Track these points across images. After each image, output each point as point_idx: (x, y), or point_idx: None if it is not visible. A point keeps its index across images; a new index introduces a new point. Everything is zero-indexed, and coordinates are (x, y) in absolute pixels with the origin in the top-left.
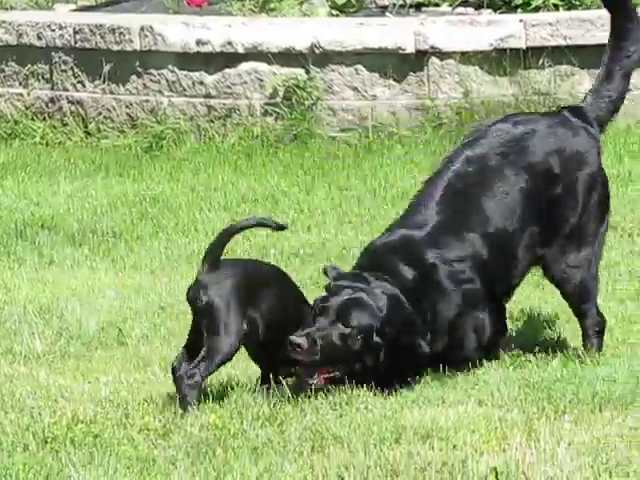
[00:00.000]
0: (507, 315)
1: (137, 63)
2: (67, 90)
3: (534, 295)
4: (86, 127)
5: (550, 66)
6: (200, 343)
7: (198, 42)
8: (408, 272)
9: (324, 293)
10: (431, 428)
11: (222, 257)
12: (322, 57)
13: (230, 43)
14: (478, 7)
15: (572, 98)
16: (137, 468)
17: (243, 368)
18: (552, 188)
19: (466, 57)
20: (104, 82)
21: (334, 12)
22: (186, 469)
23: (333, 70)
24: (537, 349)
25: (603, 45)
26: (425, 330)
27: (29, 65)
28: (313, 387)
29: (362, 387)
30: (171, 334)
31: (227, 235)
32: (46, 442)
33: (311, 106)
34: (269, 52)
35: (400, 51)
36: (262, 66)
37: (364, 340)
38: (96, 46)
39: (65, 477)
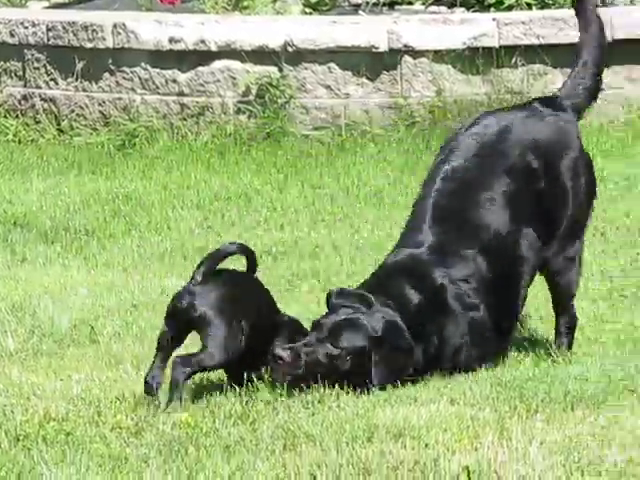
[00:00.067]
0: None
1: (110, 61)
2: (40, 87)
3: None
4: (59, 125)
5: (523, 65)
6: (172, 351)
7: (171, 40)
8: (416, 295)
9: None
10: (403, 427)
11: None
12: (295, 55)
13: (203, 41)
14: (451, 6)
15: None
16: (109, 466)
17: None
18: (537, 183)
19: (439, 56)
20: (77, 80)
21: (307, 10)
22: (158, 467)
23: (306, 68)
24: (509, 348)
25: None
26: (423, 356)
27: (2, 62)
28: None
29: (334, 386)
30: (143, 332)
31: (223, 255)
32: (18, 440)
33: (284, 104)
34: (242, 50)
35: (373, 49)
36: (235, 64)
37: (352, 362)
38: (69, 43)
39: (37, 475)
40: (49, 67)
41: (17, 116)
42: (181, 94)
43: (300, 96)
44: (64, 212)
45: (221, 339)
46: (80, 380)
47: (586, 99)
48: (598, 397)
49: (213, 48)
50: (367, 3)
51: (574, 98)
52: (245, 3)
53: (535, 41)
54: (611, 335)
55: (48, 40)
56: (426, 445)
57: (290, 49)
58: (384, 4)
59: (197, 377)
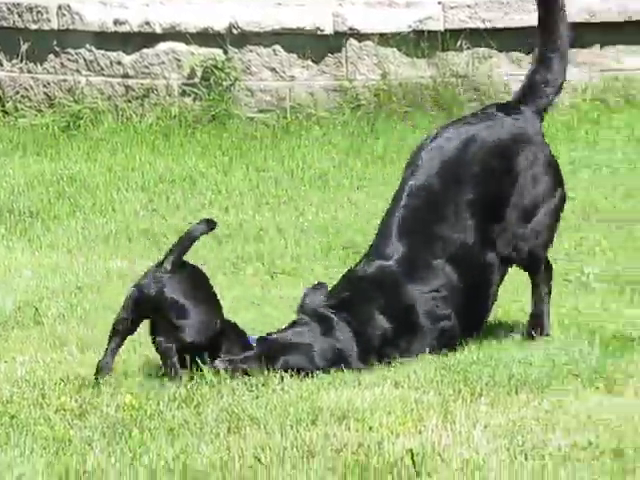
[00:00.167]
0: None
1: (55, 42)
2: None
3: None
4: (3, 106)
5: (468, 48)
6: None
7: (116, 22)
8: (385, 316)
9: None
10: (347, 409)
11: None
12: (240, 37)
13: (148, 23)
14: None
15: (490, 80)
16: (53, 448)
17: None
18: (501, 188)
19: (384, 39)
20: (21, 61)
21: None
22: (102, 450)
23: (251, 51)
24: None
25: (521, 28)
26: None
27: None
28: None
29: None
30: (87, 314)
31: (191, 240)
32: None
33: (229, 87)
34: (187, 32)
35: (318, 32)
36: (180, 46)
37: None
38: (14, 25)
39: None
40: None
41: None
42: (126, 76)
43: (245, 78)
44: (8, 194)
45: (194, 322)
46: (24, 362)
47: (550, 96)
48: (542, 381)
49: (158, 30)
50: None
51: (536, 98)
52: None
53: (480, 25)
54: (555, 319)
55: None
56: (370, 428)
57: (235, 31)
58: None
59: (141, 360)
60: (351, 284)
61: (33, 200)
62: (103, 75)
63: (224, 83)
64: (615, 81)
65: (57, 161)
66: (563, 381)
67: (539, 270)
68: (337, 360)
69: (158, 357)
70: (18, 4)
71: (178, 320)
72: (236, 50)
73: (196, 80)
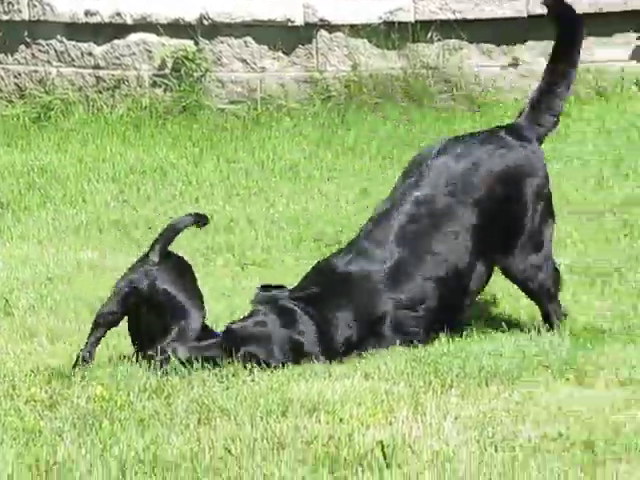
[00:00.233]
0: None
1: (26, 33)
2: None
3: None
4: None
5: (439, 40)
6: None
7: (87, 12)
8: (356, 322)
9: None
10: (318, 401)
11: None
12: (211, 29)
13: (119, 14)
14: None
15: (460, 72)
16: (23, 439)
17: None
18: (503, 212)
19: (355, 30)
20: None
21: None
22: (72, 440)
23: (222, 42)
24: None
25: (492, 20)
26: None
27: None
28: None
29: None
30: (58, 305)
31: (175, 231)
32: None
33: (200, 78)
34: (158, 23)
35: (289, 23)
36: (151, 37)
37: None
38: None
39: None
40: None
41: None
42: (97, 67)
43: (216, 70)
44: None
45: (189, 312)
46: None
47: (552, 125)
48: (512, 373)
49: (129, 21)
50: None
51: (539, 126)
52: None
53: (451, 16)
54: (526, 311)
55: None
56: (340, 420)
57: (206, 22)
58: None
59: (112, 351)
60: (327, 278)
61: (3, 191)
62: (74, 66)
63: (195, 74)
64: (586, 73)
65: (28, 152)
66: (533, 373)
67: (549, 300)
68: (298, 354)
69: (130, 348)
70: None
71: (173, 312)
72: (207, 41)
73: (167, 71)
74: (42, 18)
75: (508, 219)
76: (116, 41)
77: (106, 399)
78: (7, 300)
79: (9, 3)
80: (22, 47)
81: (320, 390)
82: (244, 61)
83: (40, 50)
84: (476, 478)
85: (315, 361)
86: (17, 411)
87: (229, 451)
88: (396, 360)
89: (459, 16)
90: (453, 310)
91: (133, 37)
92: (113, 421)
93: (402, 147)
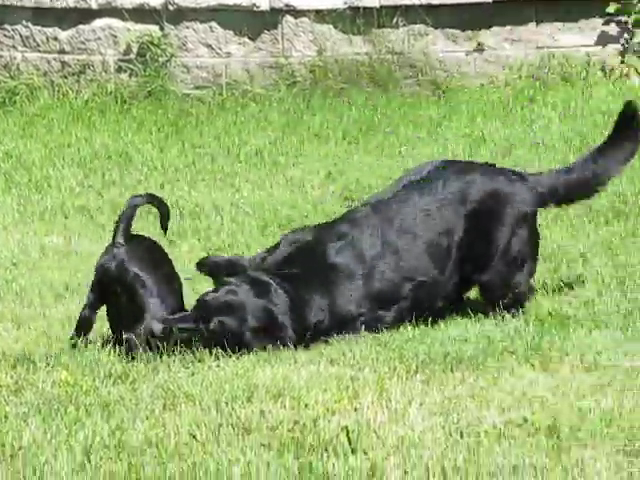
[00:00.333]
0: None
1: None
2: None
3: None
4: None
5: (404, 25)
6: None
7: None
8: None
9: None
10: (283, 387)
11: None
12: (176, 14)
13: None
14: None
15: (426, 57)
16: None
17: (97, 327)
18: (485, 232)
19: (320, 15)
20: None
21: None
22: (37, 426)
23: (187, 27)
24: None
25: (458, 5)
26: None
27: None
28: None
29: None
30: (23, 290)
31: (133, 208)
32: None
33: (165, 63)
34: (123, 8)
35: (254, 8)
36: (116, 22)
37: (224, 343)
38: None
39: None
40: None
41: None
42: (62, 52)
43: (181, 55)
44: None
45: (160, 293)
46: None
47: (565, 186)
48: (477, 358)
49: (94, 6)
50: None
51: (552, 180)
52: None
53: (416, 1)
54: None
55: None
56: (306, 405)
57: (171, 7)
58: None
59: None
60: (309, 258)
61: None
62: (39, 51)
63: (160, 59)
64: (552, 58)
65: None
66: (498, 358)
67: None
68: (271, 325)
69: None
70: None
71: (143, 292)
72: (172, 26)
73: (132, 56)
74: (7, 2)
75: (488, 239)
76: (81, 26)
77: (71, 384)
78: None
79: None
80: None
81: (285, 376)
82: (209, 46)
83: (5, 35)
84: (441, 464)
85: (285, 336)
86: None
87: (194, 436)
88: (361, 346)
89: (424, 1)
90: (423, 311)
91: (98, 22)
92: (78, 406)
93: (367, 132)
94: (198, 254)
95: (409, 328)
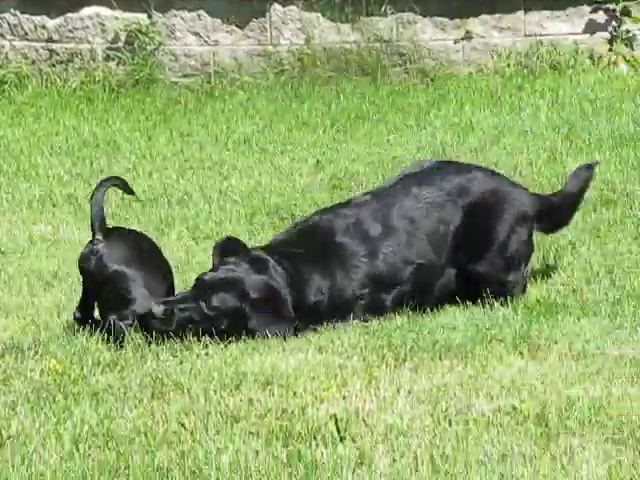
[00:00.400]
0: None
1: None
2: None
3: None
4: None
5: (392, 13)
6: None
7: None
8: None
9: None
10: (271, 375)
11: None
12: (164, 2)
13: None
14: None
15: (414, 45)
16: None
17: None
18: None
19: (308, 3)
20: None
21: None
22: (26, 415)
23: (175, 15)
24: None
25: None
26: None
27: None
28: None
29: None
30: (11, 278)
31: (99, 202)
32: None
33: (153, 51)
34: None
35: None
36: (104, 10)
37: (226, 321)
38: None
39: None
40: None
41: None
42: (50, 40)
43: (169, 43)
44: None
45: (142, 285)
46: None
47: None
48: (466, 346)
49: None
50: None
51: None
52: None
53: None
54: None
55: None
56: (294, 393)
57: None
58: None
59: (66, 325)
60: (310, 238)
61: None
62: (27, 39)
63: (148, 47)
64: (539, 46)
65: None
66: (487, 346)
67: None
68: (271, 298)
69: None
70: None
71: (126, 287)
72: (160, 14)
73: (120, 44)
74: None
75: (486, 232)
76: (69, 14)
77: (60, 373)
78: None
79: None
80: None
81: (274, 364)
82: (197, 34)
83: None
84: (430, 452)
85: (285, 310)
86: None
87: (183, 425)
88: (350, 334)
89: None
90: (420, 297)
91: (86, 10)
92: (67, 395)
93: (356, 120)
94: (186, 242)
95: (397, 316)
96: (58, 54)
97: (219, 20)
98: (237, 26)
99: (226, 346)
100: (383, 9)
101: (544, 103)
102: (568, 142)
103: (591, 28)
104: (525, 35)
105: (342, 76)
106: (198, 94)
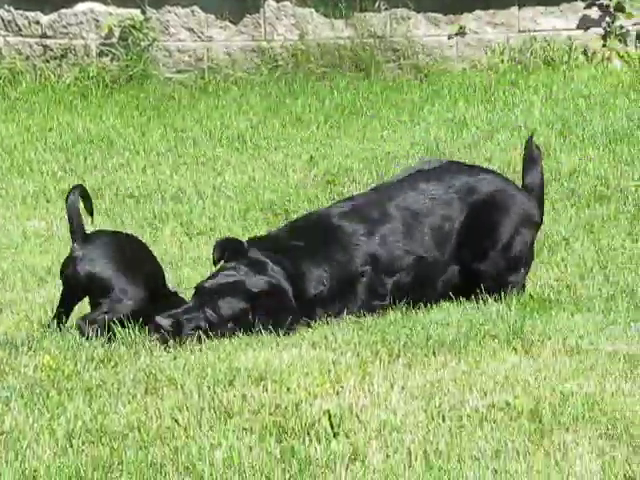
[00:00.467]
0: None
1: None
2: None
3: None
4: None
5: (386, 9)
6: (72, 309)
7: None
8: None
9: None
10: (265, 370)
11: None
12: None
13: None
14: None
15: (407, 41)
16: None
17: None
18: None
19: None
20: None
21: None
22: (20, 410)
23: (169, 11)
24: None
25: None
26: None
27: None
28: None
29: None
30: (5, 274)
31: (75, 208)
32: None
33: (147, 47)
34: None
35: None
36: (98, 6)
37: (233, 325)
38: None
39: None
40: None
41: None
42: (44, 36)
43: (163, 39)
44: None
45: (119, 290)
46: None
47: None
48: (460, 342)
49: None
50: None
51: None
52: None
53: None
54: None
55: None
56: (288, 389)
57: None
58: None
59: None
60: (311, 228)
61: None
62: (21, 35)
63: (142, 43)
64: (533, 42)
65: None
66: (480, 342)
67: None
68: (274, 294)
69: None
70: None
71: (103, 292)
72: (154, 10)
73: (114, 40)
74: None
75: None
76: (63, 10)
77: (53, 368)
78: None
79: None
80: None
81: (267, 359)
82: (191, 30)
83: None
84: (423, 447)
85: (289, 303)
86: None
87: (176, 421)
88: (343, 330)
89: None
90: (422, 290)
91: (80, 6)
92: (60, 390)
93: (349, 116)
94: (180, 237)
95: (391, 312)
96: (52, 50)
97: (213, 16)
98: (231, 22)
99: (219, 341)
100: (377, 5)
101: (538, 99)
102: (562, 138)
103: (585, 24)
104: (519, 31)
105: (336, 72)
106: (192, 90)
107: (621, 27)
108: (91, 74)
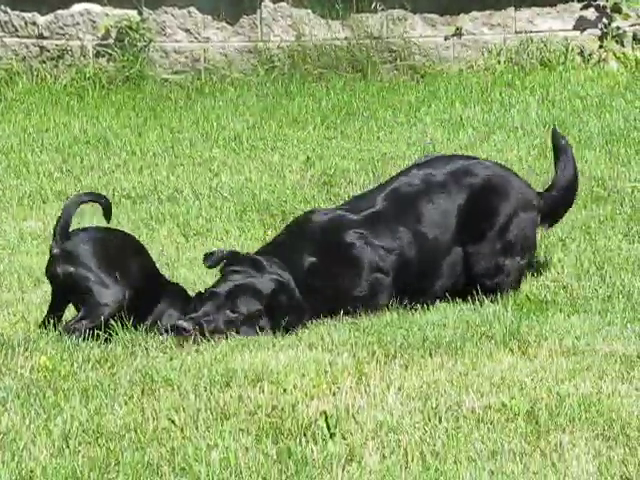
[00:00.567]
0: None
1: None
2: None
3: None
4: None
5: (383, 10)
6: (63, 309)
7: None
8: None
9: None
10: (261, 372)
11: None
12: None
13: None
14: None
15: (404, 42)
16: None
17: (74, 311)
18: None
19: (299, 0)
20: None
21: None
22: (16, 411)
23: (166, 12)
24: None
25: None
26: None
27: None
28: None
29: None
30: (1, 275)
31: (68, 213)
32: None
33: (143, 48)
34: None
35: None
36: (94, 7)
37: (250, 323)
38: None
39: None
40: None
41: None
42: (40, 37)
43: (160, 40)
44: None
45: (99, 293)
46: None
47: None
48: (456, 343)
49: None
50: None
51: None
52: None
53: None
54: None
55: None
56: (284, 390)
57: None
58: None
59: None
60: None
61: None
62: (18, 36)
63: (138, 44)
64: (530, 43)
65: None
66: (477, 343)
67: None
68: (279, 291)
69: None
70: None
71: (82, 294)
72: (151, 11)
73: (110, 41)
74: None
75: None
76: (60, 11)
77: (50, 369)
78: None
79: None
80: None
81: (264, 360)
82: (188, 31)
83: None
84: (420, 448)
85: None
86: None
87: (173, 421)
88: (340, 331)
89: None
90: (421, 284)
91: (77, 7)
92: (57, 391)
93: (346, 117)
94: (176, 238)
95: (387, 313)
96: (49, 51)
97: (209, 17)
98: (227, 23)
99: (216, 343)
100: (373, 6)
101: (534, 100)
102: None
103: (581, 25)
104: (515, 32)
105: (332, 73)
106: (188, 91)
107: (618, 28)
108: (87, 75)
